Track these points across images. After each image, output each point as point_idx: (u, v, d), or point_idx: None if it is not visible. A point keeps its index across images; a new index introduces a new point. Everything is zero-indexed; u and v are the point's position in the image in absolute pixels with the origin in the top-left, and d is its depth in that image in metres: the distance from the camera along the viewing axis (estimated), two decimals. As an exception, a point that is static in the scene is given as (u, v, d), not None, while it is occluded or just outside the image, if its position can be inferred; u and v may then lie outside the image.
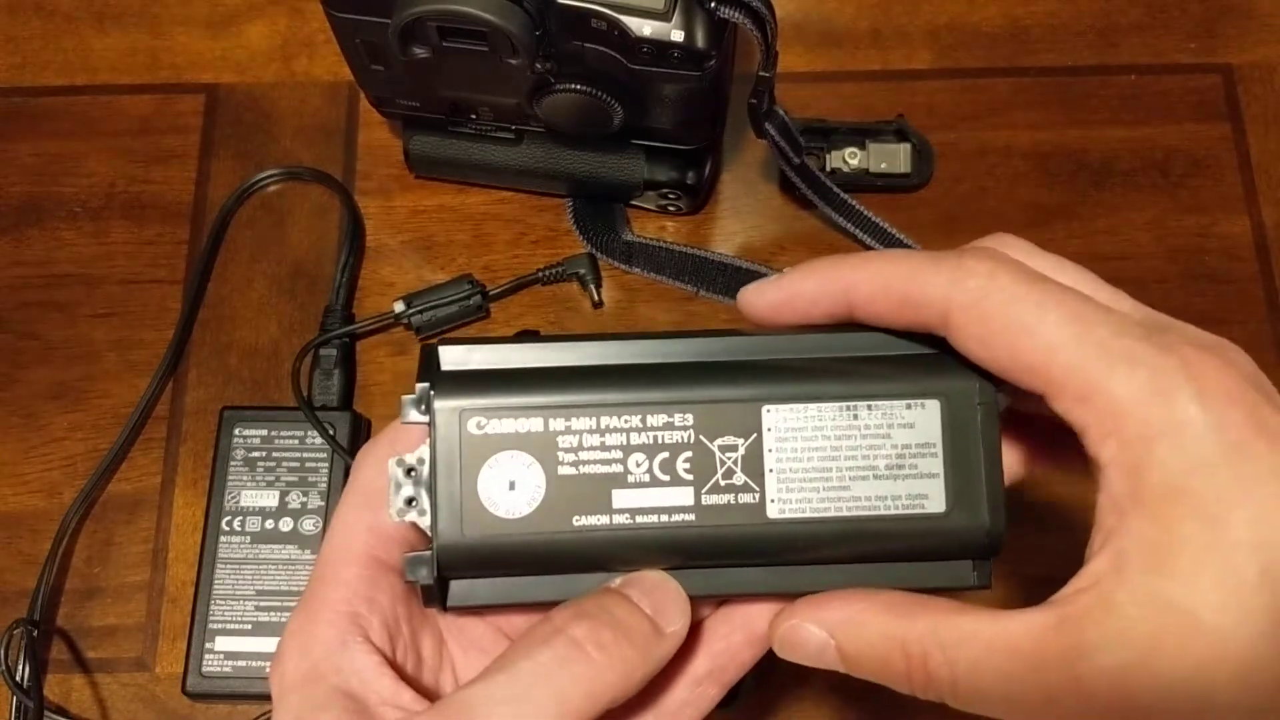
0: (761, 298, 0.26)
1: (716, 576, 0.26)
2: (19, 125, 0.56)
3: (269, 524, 0.48)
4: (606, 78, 0.44)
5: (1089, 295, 0.23)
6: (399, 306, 0.51)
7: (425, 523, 0.25)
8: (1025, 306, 0.23)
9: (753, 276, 0.52)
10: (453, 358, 0.26)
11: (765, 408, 0.25)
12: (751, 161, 0.56)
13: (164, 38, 0.58)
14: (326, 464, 0.49)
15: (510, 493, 0.25)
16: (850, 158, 0.54)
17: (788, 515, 0.25)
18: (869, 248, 0.52)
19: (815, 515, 0.25)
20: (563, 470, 0.25)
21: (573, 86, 0.45)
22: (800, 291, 0.26)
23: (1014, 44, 0.58)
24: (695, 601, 0.26)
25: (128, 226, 0.55)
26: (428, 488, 0.25)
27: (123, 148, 0.56)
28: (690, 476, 0.25)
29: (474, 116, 0.50)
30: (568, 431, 0.25)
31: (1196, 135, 0.56)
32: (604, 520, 0.25)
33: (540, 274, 0.53)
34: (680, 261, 0.53)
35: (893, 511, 0.25)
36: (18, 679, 0.46)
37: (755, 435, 0.25)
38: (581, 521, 0.25)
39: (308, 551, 0.47)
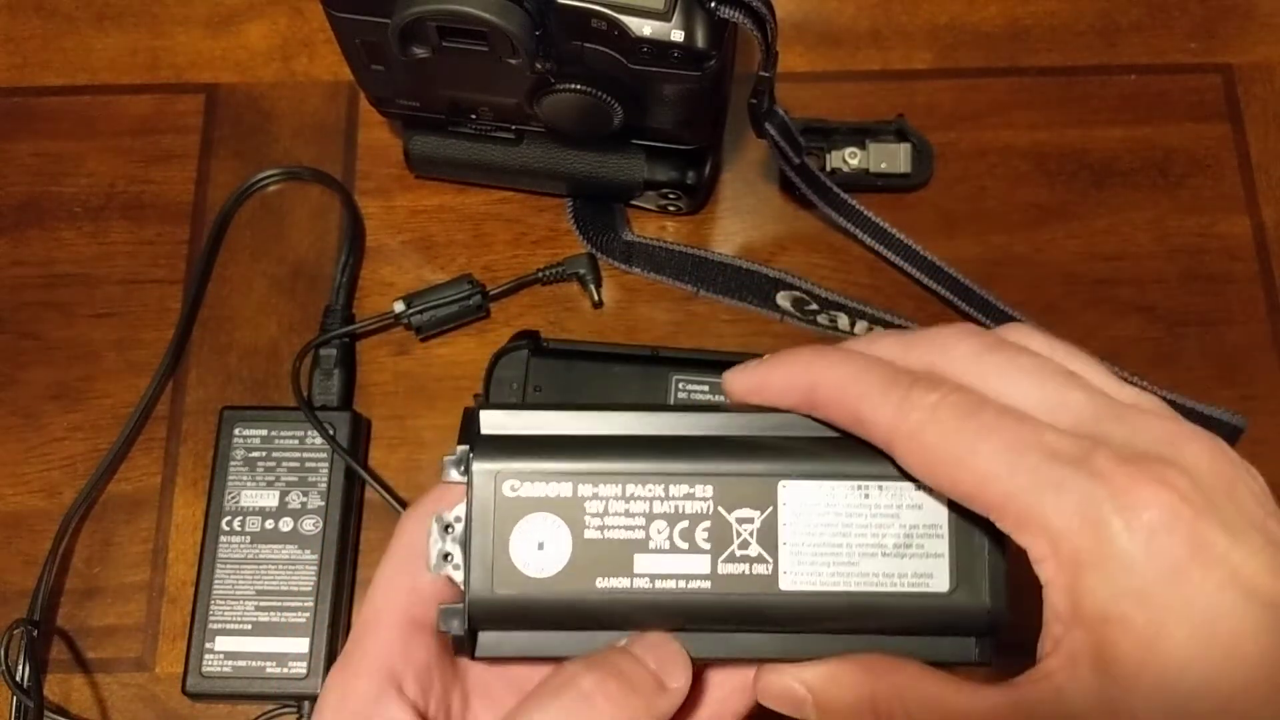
0: (738, 381, 0.28)
1: (726, 640, 0.27)
2: (19, 125, 0.56)
3: (269, 524, 0.48)
4: (606, 78, 0.44)
5: (1035, 403, 0.25)
6: (399, 306, 0.51)
7: (459, 577, 0.27)
8: (962, 439, 0.24)
9: (753, 276, 0.52)
10: (492, 422, 0.27)
11: (782, 483, 0.27)
12: (751, 161, 0.56)
13: (164, 38, 0.58)
14: (326, 464, 0.49)
15: (539, 553, 0.26)
16: (850, 158, 0.54)
17: (799, 587, 0.26)
18: (869, 248, 0.53)
19: (825, 589, 0.26)
20: (589, 534, 0.26)
21: (573, 86, 0.45)
22: (770, 381, 0.27)
23: (1014, 44, 0.58)
24: (702, 662, 0.27)
25: (128, 226, 0.55)
26: (463, 544, 0.27)
27: (123, 148, 0.56)
28: (708, 545, 0.26)
29: (474, 116, 0.50)
30: (595, 497, 0.27)
31: (1196, 135, 0.56)
32: (625, 583, 0.26)
33: (540, 274, 0.53)
34: (680, 261, 0.53)
35: (899, 589, 0.26)
36: (18, 679, 0.46)
37: (771, 509, 0.27)
38: (604, 584, 0.26)
39: (308, 551, 0.47)
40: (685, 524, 0.26)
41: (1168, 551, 0.22)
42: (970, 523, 0.27)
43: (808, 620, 0.27)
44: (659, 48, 0.42)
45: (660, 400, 0.47)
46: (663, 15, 0.41)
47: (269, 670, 0.46)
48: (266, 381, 0.52)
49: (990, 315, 0.51)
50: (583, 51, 0.43)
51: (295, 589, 0.47)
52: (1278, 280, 0.54)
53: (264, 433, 0.49)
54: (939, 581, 0.26)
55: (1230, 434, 0.50)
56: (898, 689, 0.25)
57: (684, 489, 0.27)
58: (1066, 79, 0.57)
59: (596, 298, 0.53)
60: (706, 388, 0.48)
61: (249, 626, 0.47)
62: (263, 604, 0.47)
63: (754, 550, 0.26)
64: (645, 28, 0.42)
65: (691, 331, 0.53)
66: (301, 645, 0.46)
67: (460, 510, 0.27)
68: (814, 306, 0.52)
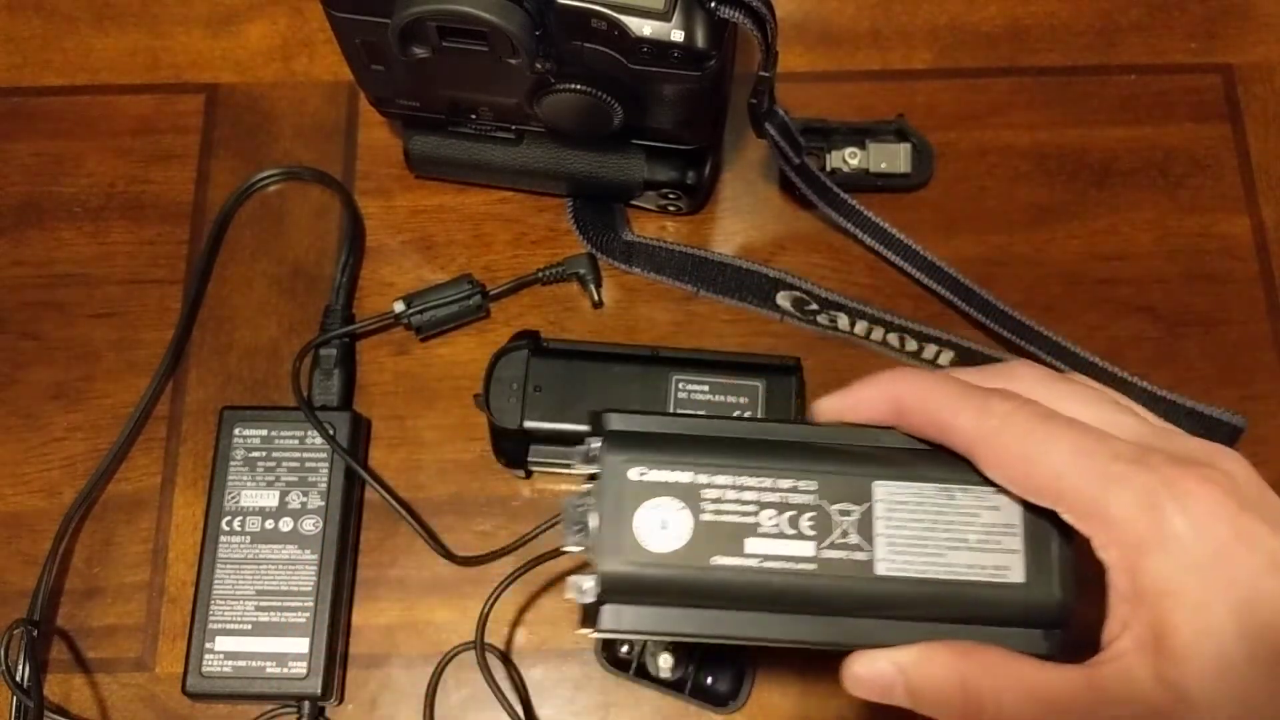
0: (828, 404, 0.32)
1: (824, 625, 0.30)
2: (19, 125, 0.56)
3: (269, 524, 0.48)
4: (606, 78, 0.44)
5: (1093, 421, 0.28)
6: (399, 306, 0.51)
7: (590, 552, 0.30)
8: (1035, 441, 0.28)
9: (753, 276, 0.52)
10: (619, 420, 0.31)
11: (876, 482, 0.30)
12: (751, 161, 0.56)
13: (164, 38, 0.58)
14: (326, 464, 0.49)
15: (662, 531, 0.29)
16: (850, 158, 0.54)
17: (893, 573, 0.29)
18: (869, 248, 0.53)
19: (916, 575, 0.29)
20: (705, 517, 0.29)
21: (573, 86, 0.45)
22: (859, 400, 0.31)
23: (1014, 44, 0.58)
24: (800, 645, 0.30)
25: (128, 226, 0.55)
26: (593, 523, 0.30)
27: (123, 148, 0.56)
28: (813, 533, 0.29)
29: (474, 116, 0.50)
30: (711, 485, 0.29)
31: (1196, 135, 0.56)
32: (738, 562, 0.29)
33: (540, 274, 0.53)
34: (680, 261, 0.53)
35: (979, 579, 0.29)
36: (18, 679, 0.46)
37: (868, 504, 0.30)
38: (719, 561, 0.29)
39: (308, 551, 0.47)
40: (792, 513, 0.29)
41: (1215, 535, 0.25)
42: (1043, 523, 0.29)
43: (899, 605, 0.29)
44: (659, 48, 0.42)
45: (660, 400, 0.48)
46: (663, 15, 0.41)
47: (269, 670, 0.46)
48: (266, 381, 0.52)
49: (990, 315, 0.51)
50: (583, 51, 0.43)
51: (295, 589, 0.47)
52: (1278, 280, 0.54)
53: (264, 433, 0.49)
54: (1015, 574, 0.29)
55: (1230, 434, 0.49)
56: (985, 668, 0.28)
57: (790, 483, 0.30)
58: (1066, 79, 0.57)
59: (596, 298, 0.53)
60: (706, 388, 0.48)
61: (249, 626, 0.47)
62: (263, 604, 0.47)
63: (853, 539, 0.29)
64: (645, 28, 0.42)
65: (691, 331, 0.53)
66: (301, 645, 0.46)
67: (593, 493, 0.30)
68: (814, 306, 0.51)
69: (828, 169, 0.54)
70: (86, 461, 0.51)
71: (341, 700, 0.48)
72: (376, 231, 0.55)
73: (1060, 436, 0.28)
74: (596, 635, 0.30)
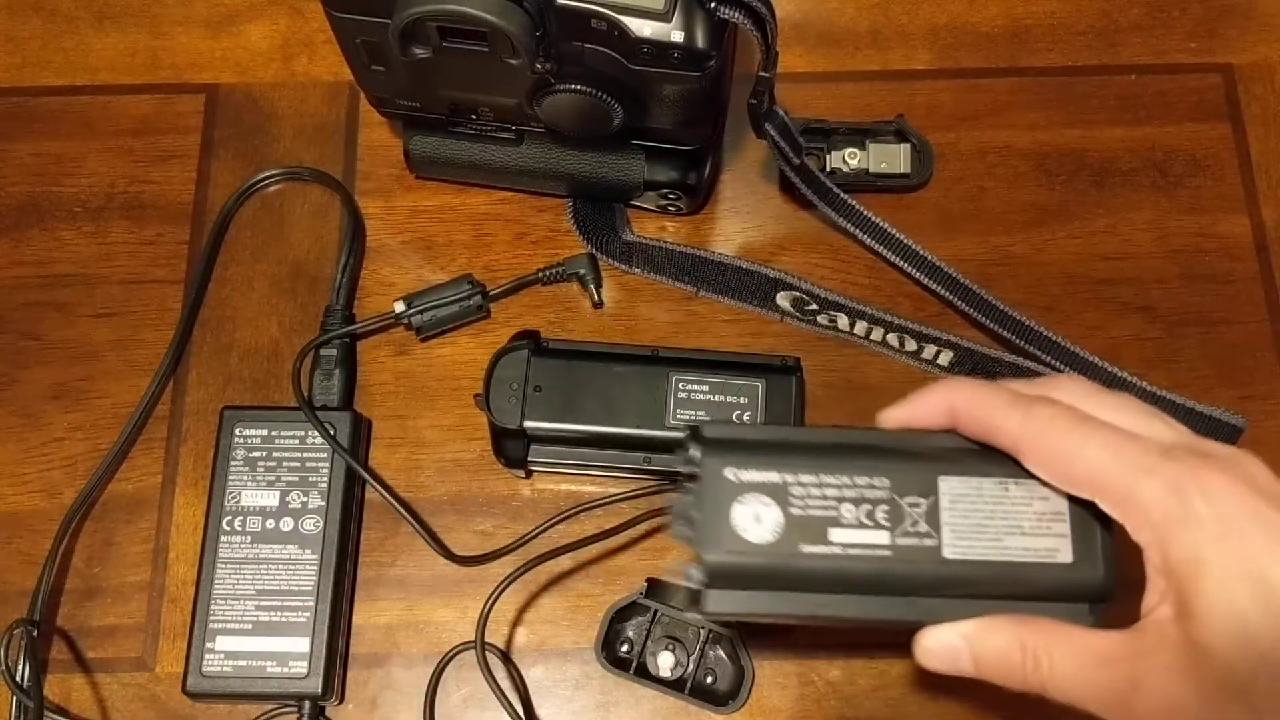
0: (892, 415, 0.36)
1: (900, 604, 0.34)
2: (19, 125, 0.57)
3: (269, 524, 0.48)
4: (606, 78, 0.44)
5: (1126, 426, 0.32)
6: (399, 306, 0.51)
7: (695, 544, 0.33)
8: (1074, 440, 0.32)
9: (753, 277, 0.52)
10: (713, 430, 0.35)
11: (941, 477, 0.34)
12: (751, 161, 0.56)
13: (164, 38, 0.58)
14: (327, 464, 0.49)
15: (756, 524, 0.33)
16: (850, 158, 0.54)
17: (958, 557, 0.33)
18: (869, 248, 0.53)
19: (978, 558, 0.33)
20: (793, 511, 0.33)
21: (573, 87, 0.45)
22: (919, 408, 0.35)
23: (1014, 44, 0.58)
24: (879, 623, 0.34)
25: (128, 226, 0.55)
26: (697, 518, 0.33)
27: (123, 148, 0.56)
28: (887, 523, 0.33)
29: (474, 117, 0.50)
30: (798, 484, 0.34)
31: (1196, 135, 0.56)
32: (824, 549, 0.33)
33: (540, 274, 0.53)
34: (680, 261, 0.53)
35: (1033, 560, 0.33)
36: (18, 679, 0.46)
37: (934, 497, 0.34)
38: (808, 549, 0.33)
39: (308, 551, 0.47)
40: (869, 506, 0.33)
41: (1232, 516, 0.29)
42: (1086, 511, 0.33)
43: (963, 584, 0.33)
44: (659, 48, 0.42)
45: (660, 400, 0.48)
46: (663, 16, 0.41)
47: (269, 670, 0.46)
48: (267, 381, 0.52)
49: (989, 315, 0.51)
50: (583, 52, 0.43)
51: (295, 589, 0.47)
52: (1278, 280, 0.54)
53: (264, 433, 0.49)
54: (1064, 555, 0.33)
55: (1230, 434, 0.50)
56: (1041, 632, 0.32)
57: (866, 479, 0.34)
58: (1066, 79, 0.57)
59: (596, 298, 0.53)
60: (706, 388, 0.48)
61: (249, 626, 0.47)
62: (263, 604, 0.47)
63: (923, 528, 0.33)
64: (645, 28, 0.42)
65: (691, 331, 0.53)
66: (302, 645, 0.46)
67: (695, 492, 0.33)
68: (814, 306, 0.52)
69: (827, 169, 0.54)
70: (87, 461, 0.51)
71: (342, 700, 0.48)
72: (377, 231, 0.55)
73: (1095, 436, 0.32)
74: (704, 616, 0.35)
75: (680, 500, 0.34)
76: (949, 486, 0.34)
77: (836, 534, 0.33)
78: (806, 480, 0.34)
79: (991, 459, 0.34)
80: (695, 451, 0.34)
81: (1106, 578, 0.33)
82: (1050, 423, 0.32)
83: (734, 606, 0.34)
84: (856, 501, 0.34)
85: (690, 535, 0.34)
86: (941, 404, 0.34)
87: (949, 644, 0.33)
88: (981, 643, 0.33)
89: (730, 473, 0.34)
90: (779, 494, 0.33)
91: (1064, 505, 0.33)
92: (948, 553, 0.33)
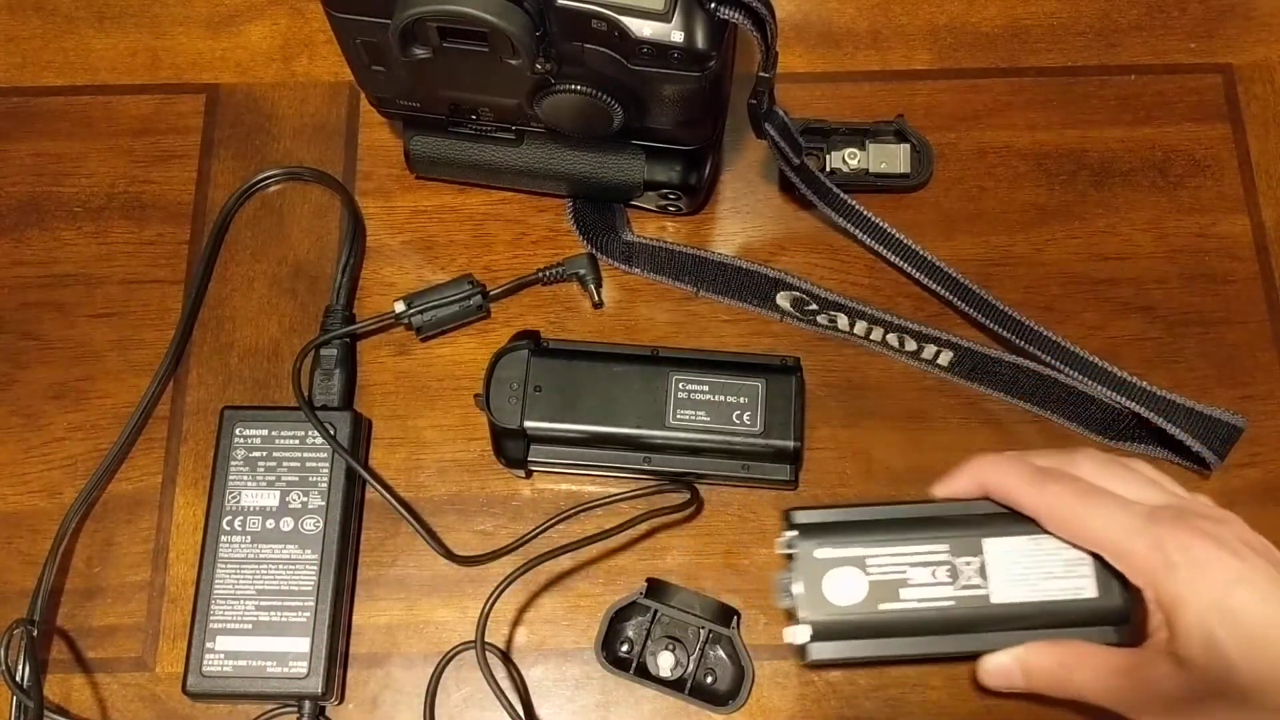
0: (941, 490, 0.44)
1: (961, 640, 0.42)
2: (19, 125, 0.57)
3: (270, 524, 0.48)
4: (606, 78, 0.44)
5: (1126, 493, 0.40)
6: (399, 306, 0.51)
7: (797, 608, 0.42)
8: (1078, 512, 0.40)
9: (752, 276, 0.52)
10: (804, 515, 0.43)
11: (985, 539, 0.42)
12: (751, 161, 0.56)
13: (164, 38, 0.58)
14: (327, 464, 0.49)
15: (844, 590, 0.42)
16: (850, 158, 0.54)
17: (1004, 600, 0.42)
18: (869, 248, 0.53)
19: (1021, 599, 0.42)
20: (872, 577, 0.42)
21: (573, 87, 0.45)
22: (958, 485, 0.43)
23: (1014, 44, 0.58)
24: (947, 657, 0.43)
25: (128, 226, 0.55)
26: (797, 588, 0.42)
27: (123, 148, 0.56)
28: (947, 579, 0.42)
29: (474, 117, 0.50)
30: (873, 555, 0.42)
31: (1196, 135, 0.56)
32: (898, 605, 0.42)
33: (540, 274, 0.53)
34: (680, 261, 0.53)
35: (1065, 596, 0.42)
36: (18, 679, 0.46)
37: (981, 555, 0.42)
38: (885, 606, 0.42)
39: (308, 551, 0.47)
40: (932, 568, 0.42)
41: (1201, 563, 0.38)
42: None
43: (1010, 621, 0.42)
44: (659, 49, 0.42)
45: (660, 400, 0.48)
46: (663, 16, 0.41)
47: (269, 670, 0.46)
48: (267, 381, 0.52)
49: (989, 315, 0.51)
50: (583, 52, 0.43)
51: (296, 589, 0.47)
52: (1278, 280, 0.54)
53: (265, 432, 0.49)
54: (1089, 591, 0.41)
55: (1230, 434, 0.50)
56: (1073, 651, 0.41)
57: (928, 547, 0.42)
58: (1066, 79, 0.57)
59: (596, 298, 0.53)
60: (706, 388, 0.48)
61: (249, 626, 0.47)
62: (263, 603, 0.47)
63: (975, 580, 0.42)
64: (645, 29, 0.42)
65: (691, 331, 0.53)
66: (302, 645, 0.46)
67: (793, 568, 0.42)
68: (813, 306, 0.52)
69: (827, 169, 0.54)
70: (87, 461, 0.51)
71: (342, 700, 0.48)
72: (377, 232, 0.55)
73: (1096, 508, 0.40)
74: (808, 665, 0.46)
75: (781, 575, 0.43)
76: (991, 545, 0.42)
77: (907, 592, 0.42)
78: (880, 552, 0.42)
79: (1022, 519, 0.42)
80: (792, 535, 0.43)
81: (1125, 606, 0.41)
82: (1059, 498, 0.41)
83: (832, 654, 0.42)
84: (922, 565, 0.42)
85: (792, 604, 0.42)
86: (974, 481, 0.43)
87: (1003, 666, 0.42)
88: (1029, 664, 0.42)
89: (821, 552, 0.42)
90: (860, 564, 0.42)
91: (1085, 553, 0.41)
92: (995, 598, 0.42)
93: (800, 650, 0.42)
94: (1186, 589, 0.38)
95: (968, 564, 0.42)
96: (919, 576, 0.42)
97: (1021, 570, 0.42)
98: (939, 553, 0.42)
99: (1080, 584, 0.42)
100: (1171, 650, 0.39)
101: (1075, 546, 0.41)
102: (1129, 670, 0.40)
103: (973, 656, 0.43)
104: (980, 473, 0.43)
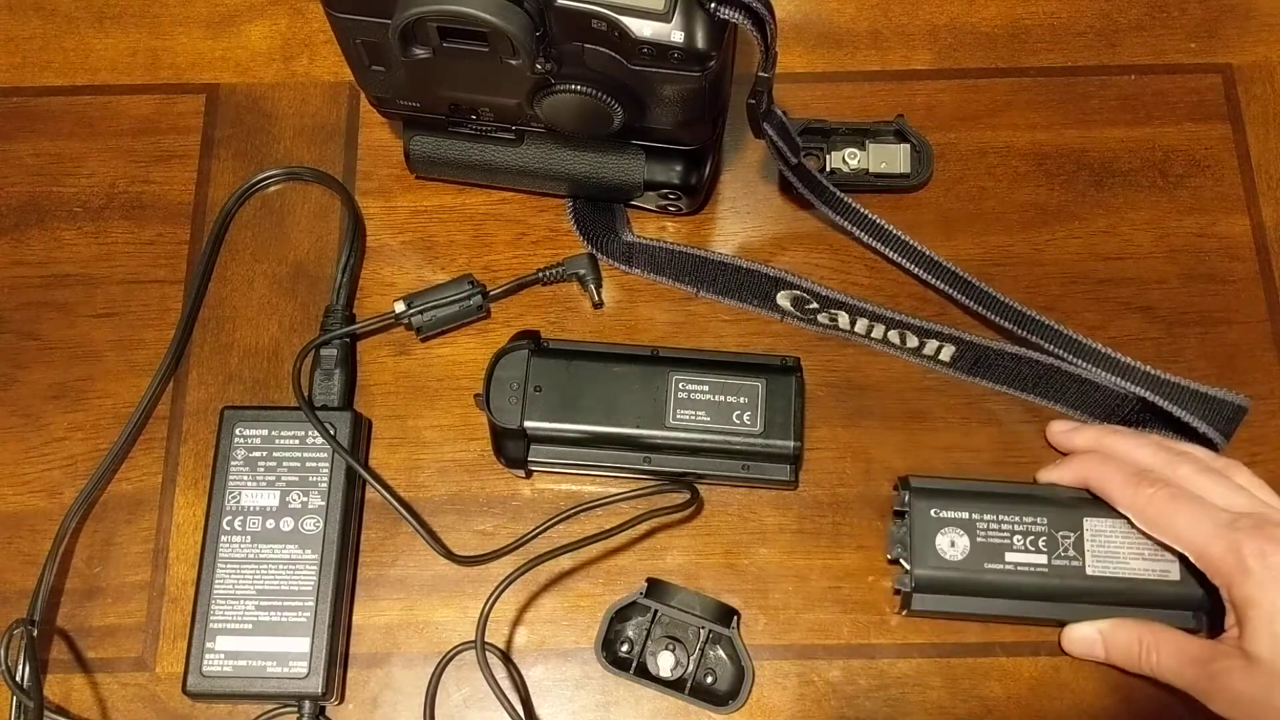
0: (1045, 475, 0.49)
1: (1053, 608, 0.47)
2: (19, 125, 0.57)
3: (270, 524, 0.48)
4: (606, 78, 0.44)
5: (1213, 498, 0.45)
6: (400, 306, 0.51)
7: (907, 562, 0.47)
8: (1165, 513, 0.45)
9: (753, 276, 0.52)
10: (918, 481, 0.48)
11: (1085, 517, 0.47)
12: (751, 161, 0.56)
13: (164, 38, 0.58)
14: (327, 464, 0.49)
15: (952, 548, 0.47)
16: (850, 158, 0.54)
17: (1097, 574, 0.47)
18: (868, 246, 0.53)
19: (1111, 575, 0.47)
20: (979, 539, 0.47)
21: (573, 87, 0.45)
22: (1064, 477, 0.48)
23: (1014, 44, 0.58)
24: (1040, 623, 0.48)
25: (128, 227, 0.55)
26: (909, 543, 0.47)
27: (123, 148, 0.56)
28: (1045, 549, 0.47)
29: (474, 117, 0.50)
30: (981, 520, 0.47)
31: (1196, 135, 0.56)
32: (1001, 567, 0.47)
33: (540, 274, 0.53)
34: (680, 261, 0.53)
35: (1151, 577, 0.47)
36: (18, 679, 0.46)
37: (1080, 531, 0.47)
38: (989, 566, 0.47)
39: (308, 551, 0.47)
40: (1032, 537, 0.47)
41: (1275, 569, 0.42)
42: None
43: (1100, 594, 0.47)
44: (659, 49, 0.42)
45: (660, 400, 0.48)
46: (663, 16, 0.41)
47: (269, 670, 0.46)
48: (267, 381, 0.52)
49: (990, 308, 0.51)
50: (583, 52, 0.43)
51: (296, 589, 0.47)
52: (1278, 280, 0.54)
53: (265, 432, 0.49)
54: (1174, 574, 0.47)
55: (1235, 414, 0.50)
56: (1153, 632, 0.46)
57: (1031, 518, 0.47)
58: (1066, 79, 0.57)
59: (597, 298, 0.53)
60: (706, 388, 0.48)
61: (249, 626, 0.47)
62: (263, 603, 0.47)
63: (1071, 553, 0.47)
64: (645, 29, 0.42)
65: (691, 331, 0.53)
66: (302, 645, 0.46)
67: (906, 525, 0.48)
68: (814, 305, 0.52)
69: (827, 169, 0.54)
70: (87, 461, 0.51)
71: (342, 700, 0.48)
72: (377, 232, 0.55)
73: (1181, 512, 0.45)
74: (907, 614, 0.48)
75: (894, 530, 0.48)
76: (1091, 524, 0.47)
77: (1010, 556, 0.47)
78: (988, 518, 0.47)
79: None
80: (906, 496, 0.48)
81: (1204, 594, 0.46)
82: (1151, 501, 0.45)
83: (934, 606, 0.47)
84: (1024, 534, 0.47)
85: (903, 556, 0.47)
86: (1077, 477, 0.48)
87: (1087, 636, 0.47)
88: (1111, 637, 0.47)
89: (933, 512, 0.47)
90: (968, 527, 0.47)
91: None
92: (1089, 571, 0.47)
93: (904, 600, 0.47)
94: (1258, 591, 0.42)
95: (1065, 537, 0.47)
96: (1021, 543, 0.47)
97: (1114, 548, 0.47)
98: (1041, 524, 0.47)
99: (1166, 567, 0.46)
100: (1242, 647, 0.43)
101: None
102: (1203, 660, 0.44)
103: (1060, 623, 0.47)
104: (1084, 467, 0.48)
